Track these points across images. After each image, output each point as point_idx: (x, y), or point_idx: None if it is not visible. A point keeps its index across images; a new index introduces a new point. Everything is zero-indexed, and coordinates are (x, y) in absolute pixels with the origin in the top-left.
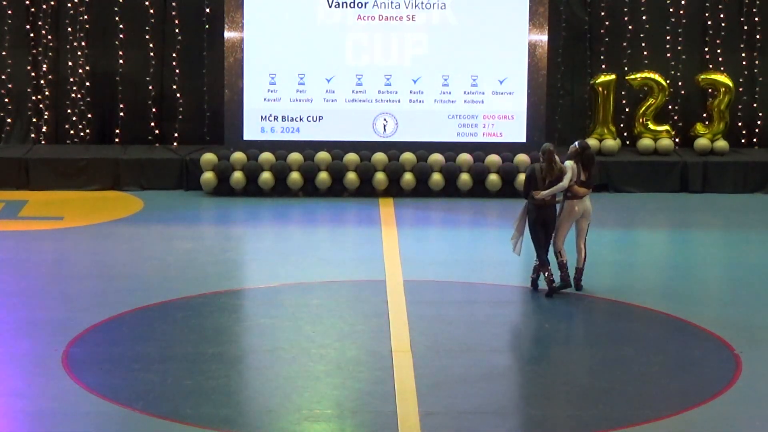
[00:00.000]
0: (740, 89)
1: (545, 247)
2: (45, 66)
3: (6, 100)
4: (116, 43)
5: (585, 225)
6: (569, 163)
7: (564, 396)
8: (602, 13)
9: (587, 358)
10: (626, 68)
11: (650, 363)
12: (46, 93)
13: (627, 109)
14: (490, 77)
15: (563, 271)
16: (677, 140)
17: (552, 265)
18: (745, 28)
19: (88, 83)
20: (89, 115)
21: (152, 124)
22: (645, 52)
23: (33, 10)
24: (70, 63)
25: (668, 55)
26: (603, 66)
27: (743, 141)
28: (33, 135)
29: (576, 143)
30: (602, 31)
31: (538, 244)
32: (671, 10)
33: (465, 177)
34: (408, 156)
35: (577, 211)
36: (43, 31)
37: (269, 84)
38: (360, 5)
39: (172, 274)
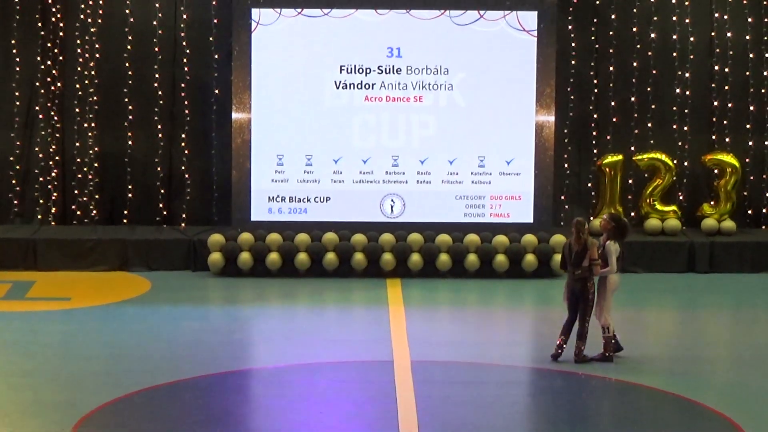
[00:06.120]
0: (747, 169)
1: (573, 318)
2: (53, 147)
3: (14, 181)
4: (125, 123)
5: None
6: (609, 244)
7: None
8: (609, 94)
9: None
10: (633, 149)
11: None
12: (54, 174)
13: (634, 190)
14: (497, 158)
15: (608, 345)
16: (684, 220)
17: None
18: (751, 108)
19: (96, 164)
20: (97, 196)
21: (160, 204)
22: (651, 133)
23: (42, 91)
24: (78, 144)
25: (675, 135)
26: (610, 146)
27: (750, 221)
28: (41, 216)
29: (607, 218)
30: (609, 111)
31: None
32: (677, 90)
33: (472, 258)
34: (415, 237)
35: (619, 284)
36: (52, 113)
37: (277, 165)
38: (367, 86)
39: (179, 354)
